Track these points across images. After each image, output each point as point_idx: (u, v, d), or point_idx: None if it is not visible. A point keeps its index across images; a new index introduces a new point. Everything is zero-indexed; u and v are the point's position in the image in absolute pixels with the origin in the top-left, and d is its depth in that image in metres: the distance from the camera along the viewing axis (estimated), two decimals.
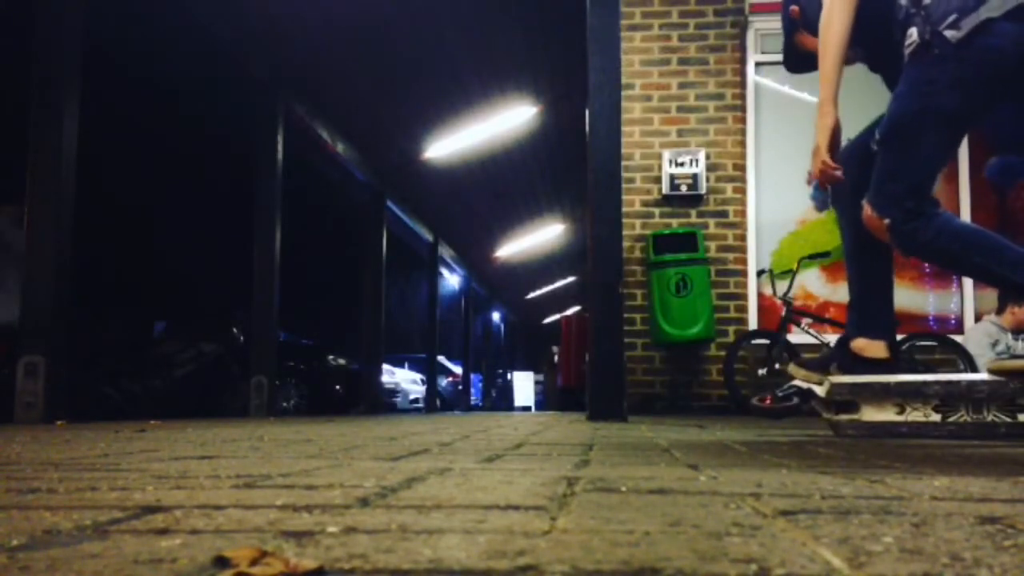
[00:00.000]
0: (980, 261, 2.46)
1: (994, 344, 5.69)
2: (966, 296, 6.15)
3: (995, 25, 2.38)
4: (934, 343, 5.82)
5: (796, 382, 2.80)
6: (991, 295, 6.02)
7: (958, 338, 5.82)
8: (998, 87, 2.48)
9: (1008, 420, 2.49)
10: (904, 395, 2.60)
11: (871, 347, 2.76)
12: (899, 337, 5.77)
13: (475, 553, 0.69)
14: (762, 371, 5.66)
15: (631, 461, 1.67)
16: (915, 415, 2.57)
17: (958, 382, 2.60)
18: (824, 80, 2.69)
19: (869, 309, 2.86)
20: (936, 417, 2.56)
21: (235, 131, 9.32)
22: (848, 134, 2.80)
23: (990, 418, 2.49)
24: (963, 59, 2.42)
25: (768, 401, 2.83)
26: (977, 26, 2.39)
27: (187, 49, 7.85)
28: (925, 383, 2.61)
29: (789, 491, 1.14)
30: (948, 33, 2.43)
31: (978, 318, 6.01)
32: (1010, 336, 5.75)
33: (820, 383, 2.80)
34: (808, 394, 2.79)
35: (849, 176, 2.72)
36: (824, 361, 2.92)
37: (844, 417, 2.64)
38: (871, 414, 2.62)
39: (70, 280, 5.38)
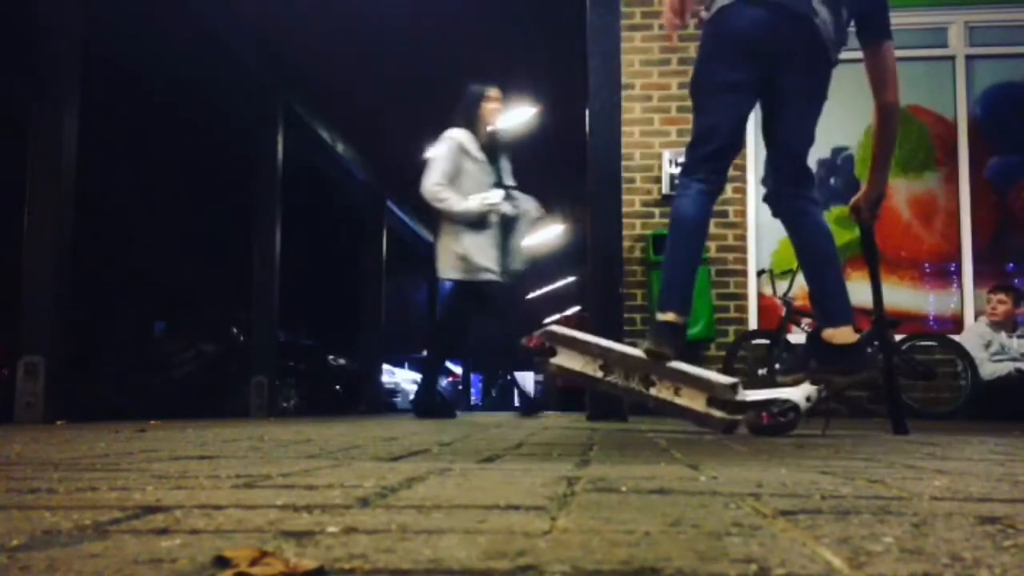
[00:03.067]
0: (669, 260, 2.89)
1: (987, 345, 5.72)
2: (966, 296, 6.15)
3: (733, 8, 2.80)
4: (934, 343, 5.82)
5: (785, 394, 2.90)
6: None
7: (959, 338, 5.83)
8: (747, 57, 2.83)
9: (642, 390, 2.87)
10: (585, 352, 3.00)
11: (839, 334, 2.82)
12: (899, 337, 5.79)
13: (475, 553, 0.69)
14: (762, 371, 5.66)
15: (631, 461, 1.67)
16: (587, 368, 2.98)
17: (612, 350, 2.96)
18: None
19: (829, 299, 2.96)
20: (600, 374, 2.95)
21: (235, 131, 9.32)
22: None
23: (634, 386, 2.87)
24: (713, 39, 2.89)
25: (765, 418, 2.91)
26: (718, 9, 2.84)
27: (187, 49, 7.85)
28: (593, 344, 2.99)
29: (789, 491, 1.14)
30: (703, 13, 2.92)
31: (978, 318, 6.02)
32: (1004, 335, 5.77)
33: (799, 384, 2.93)
34: (797, 408, 2.90)
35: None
36: (801, 359, 3.00)
37: (552, 360, 3.07)
38: (564, 361, 3.04)
39: (70, 280, 5.38)
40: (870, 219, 3.32)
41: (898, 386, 3.40)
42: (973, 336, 5.80)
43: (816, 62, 2.85)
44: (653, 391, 2.83)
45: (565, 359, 3.03)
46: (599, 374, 2.95)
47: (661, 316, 2.88)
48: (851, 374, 2.87)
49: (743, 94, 2.88)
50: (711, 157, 2.89)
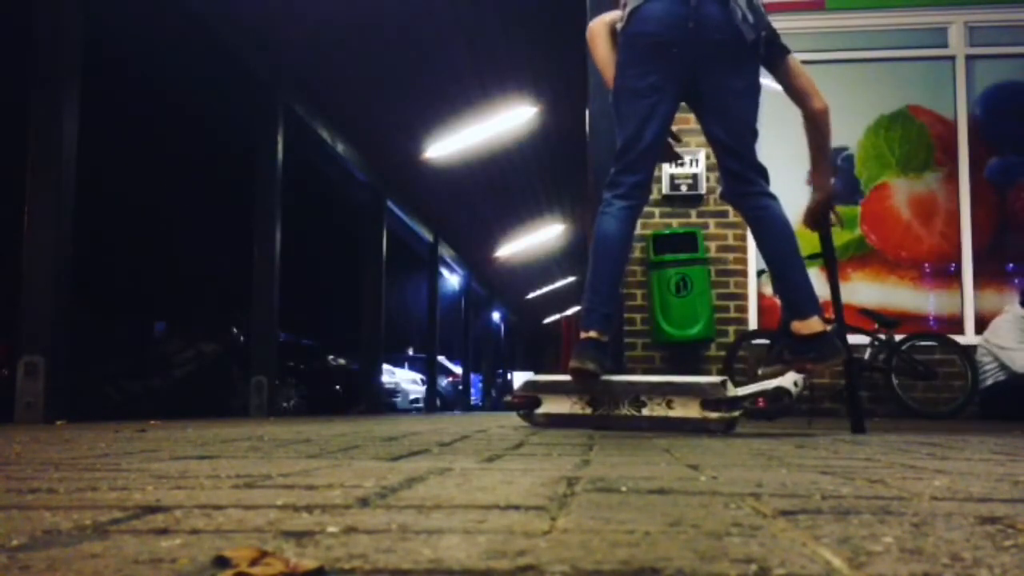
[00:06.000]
0: (591, 280, 2.90)
1: None
2: (966, 296, 6.15)
3: (642, 9, 2.84)
4: (934, 343, 5.82)
5: (774, 383, 2.95)
6: (991, 295, 6.02)
7: (960, 338, 5.83)
8: (664, 57, 2.85)
9: (635, 413, 2.88)
10: (569, 392, 3.01)
11: (806, 325, 2.86)
12: (899, 337, 5.79)
13: (475, 553, 0.69)
14: (762, 371, 5.67)
15: (631, 461, 1.67)
16: (576, 408, 2.99)
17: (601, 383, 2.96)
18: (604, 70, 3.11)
19: (793, 292, 3.00)
20: (588, 410, 2.96)
21: (235, 131, 9.33)
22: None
23: (626, 411, 2.88)
24: (627, 44, 2.90)
25: (761, 403, 3.00)
26: (628, 13, 2.88)
27: (187, 48, 7.85)
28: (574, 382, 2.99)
29: (789, 491, 1.14)
30: (618, 26, 2.94)
31: (978, 318, 6.01)
32: None
33: (781, 374, 3.03)
34: (788, 392, 2.96)
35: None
36: (776, 352, 3.05)
37: (537, 411, 3.11)
38: (551, 407, 3.07)
39: (70, 280, 5.38)
40: (826, 226, 3.33)
41: (858, 386, 3.43)
42: (1012, 326, 5.67)
43: (735, 48, 2.84)
44: (646, 411, 2.84)
45: (551, 405, 3.04)
46: (588, 410, 2.95)
47: (583, 334, 2.90)
48: (822, 361, 2.91)
49: (660, 97, 2.90)
50: (632, 166, 2.92)
